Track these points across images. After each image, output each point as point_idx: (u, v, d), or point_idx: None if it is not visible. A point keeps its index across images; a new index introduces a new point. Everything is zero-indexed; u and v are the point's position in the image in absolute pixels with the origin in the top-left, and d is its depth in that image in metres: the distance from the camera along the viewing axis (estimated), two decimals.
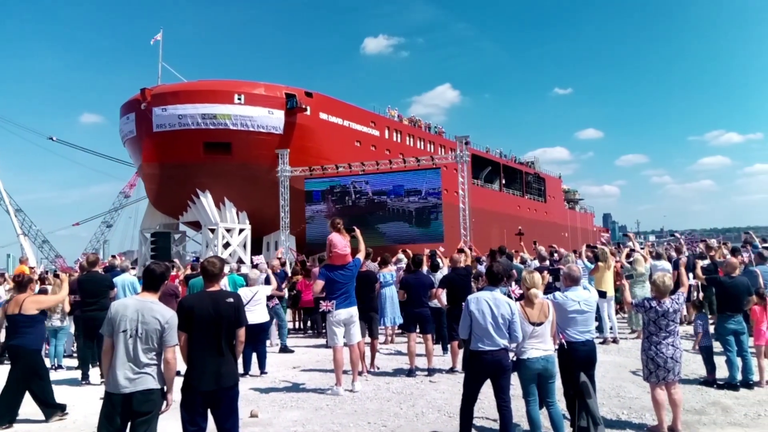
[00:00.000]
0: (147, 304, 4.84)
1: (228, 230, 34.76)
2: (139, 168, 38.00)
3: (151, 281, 5.07)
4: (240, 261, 24.08)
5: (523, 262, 13.90)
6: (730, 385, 8.13)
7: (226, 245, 34.36)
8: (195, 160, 32.47)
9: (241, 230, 35.11)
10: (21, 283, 7.92)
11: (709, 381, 8.38)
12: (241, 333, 5.30)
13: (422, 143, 44.67)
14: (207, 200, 34.49)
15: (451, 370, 9.71)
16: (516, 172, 64.28)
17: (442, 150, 45.06)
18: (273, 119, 32.04)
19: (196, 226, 38.53)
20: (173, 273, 13.79)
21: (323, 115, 34.77)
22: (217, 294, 5.30)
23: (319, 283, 8.86)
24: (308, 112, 34.04)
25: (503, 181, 60.87)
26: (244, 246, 35.19)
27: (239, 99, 32.03)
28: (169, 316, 4.81)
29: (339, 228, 8.90)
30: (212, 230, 34.72)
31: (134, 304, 4.85)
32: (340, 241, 8.75)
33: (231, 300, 5.28)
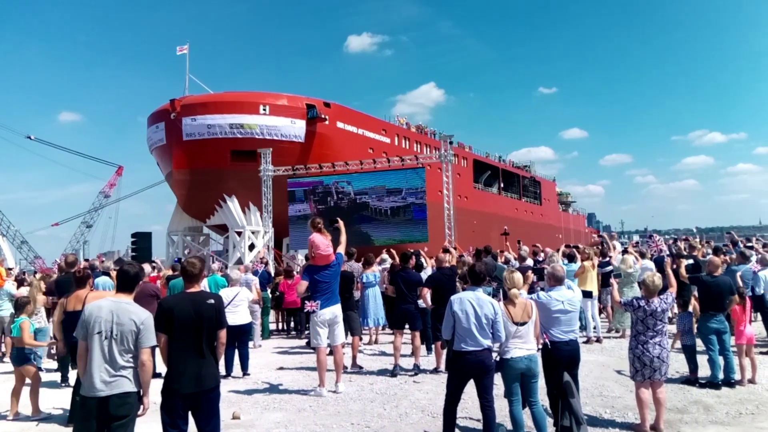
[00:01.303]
0: (122, 305, 4.74)
1: (253, 232, 36.05)
2: (168, 174, 39.64)
3: (126, 282, 4.97)
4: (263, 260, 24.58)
5: (507, 262, 13.92)
6: (712, 383, 8.20)
7: (251, 247, 35.04)
8: (223, 167, 34.13)
9: (265, 233, 35.95)
10: (81, 279, 7.80)
11: (692, 380, 8.45)
12: (222, 334, 5.23)
13: (428, 149, 46.88)
14: (234, 205, 35.96)
15: (435, 371, 9.70)
16: (513, 176, 66.57)
17: None
18: (295, 128, 34.25)
19: (220, 229, 39.71)
20: (154, 274, 13.65)
21: (340, 124, 36.99)
22: (197, 295, 5.24)
23: (303, 284, 8.82)
24: (327, 122, 36.18)
25: (501, 185, 63.04)
26: (268, 247, 35.77)
27: (264, 110, 34.19)
28: (144, 316, 4.72)
29: (320, 228, 8.84)
30: (239, 233, 35.56)
31: (108, 305, 4.73)
32: (322, 242, 8.69)
33: (212, 301, 5.22)
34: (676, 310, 9.36)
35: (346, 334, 10.13)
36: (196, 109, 34.30)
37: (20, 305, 8.44)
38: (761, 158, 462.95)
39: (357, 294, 12.07)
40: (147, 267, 11.23)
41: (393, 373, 9.58)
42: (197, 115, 34.12)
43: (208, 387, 5.03)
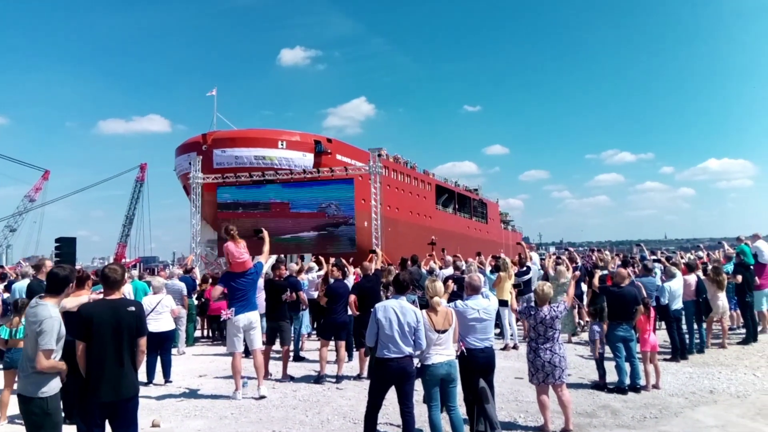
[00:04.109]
0: (36, 308, 4.71)
1: None
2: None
3: (53, 285, 4.90)
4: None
5: (431, 271, 14.18)
6: (619, 389, 8.61)
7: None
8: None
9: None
10: (80, 279, 7.50)
11: (600, 385, 8.87)
12: (142, 342, 5.12)
13: (403, 176, 53.70)
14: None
15: (358, 377, 9.83)
16: (466, 199, 72.95)
17: (416, 181, 56.15)
18: (305, 160, 39.34)
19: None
20: None
21: (339, 156, 42.14)
22: (117, 302, 5.10)
23: (218, 289, 8.92)
24: (330, 154, 41.37)
25: (456, 206, 69.23)
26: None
27: (282, 144, 39.68)
28: (44, 317, 4.61)
29: (233, 235, 8.88)
30: None
31: (30, 309, 4.75)
32: (235, 249, 8.76)
33: (132, 308, 5.10)
34: (587, 318, 9.81)
35: (274, 343, 10.18)
36: (226, 143, 39.50)
37: None
38: (666, 177, 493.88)
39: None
40: None
41: (318, 381, 9.67)
42: (226, 147, 39.13)
43: (126, 396, 4.93)
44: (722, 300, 12.13)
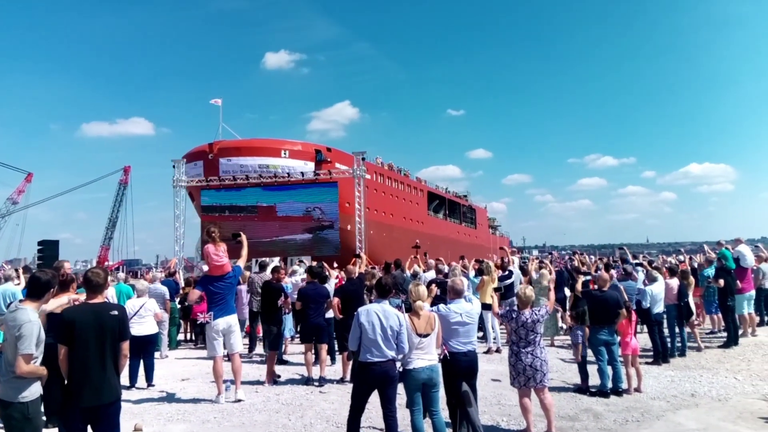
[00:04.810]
0: (16, 312, 4.69)
1: None
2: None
3: (35, 289, 4.89)
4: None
5: (415, 275, 14.19)
6: (601, 392, 8.67)
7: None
8: None
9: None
10: (64, 283, 7.47)
11: (582, 388, 8.91)
12: (125, 346, 5.11)
13: (396, 183, 55.73)
14: None
15: (341, 381, 9.81)
16: (456, 205, 75.24)
17: (410, 188, 58.44)
18: (306, 168, 40.69)
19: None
20: None
21: (338, 165, 43.35)
22: (100, 306, 5.08)
23: (195, 293, 8.86)
24: (329, 162, 42.95)
25: (447, 212, 71.45)
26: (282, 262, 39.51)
27: (285, 154, 41.63)
28: (23, 322, 4.60)
29: (214, 237, 8.84)
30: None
31: (10, 314, 4.72)
32: (214, 252, 8.73)
33: (115, 312, 5.08)
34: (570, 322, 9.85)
35: (255, 348, 10.13)
36: (231, 152, 41.22)
37: None
38: (648, 181, 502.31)
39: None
40: None
41: (307, 383, 9.69)
42: (232, 156, 40.94)
43: (108, 400, 4.91)
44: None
